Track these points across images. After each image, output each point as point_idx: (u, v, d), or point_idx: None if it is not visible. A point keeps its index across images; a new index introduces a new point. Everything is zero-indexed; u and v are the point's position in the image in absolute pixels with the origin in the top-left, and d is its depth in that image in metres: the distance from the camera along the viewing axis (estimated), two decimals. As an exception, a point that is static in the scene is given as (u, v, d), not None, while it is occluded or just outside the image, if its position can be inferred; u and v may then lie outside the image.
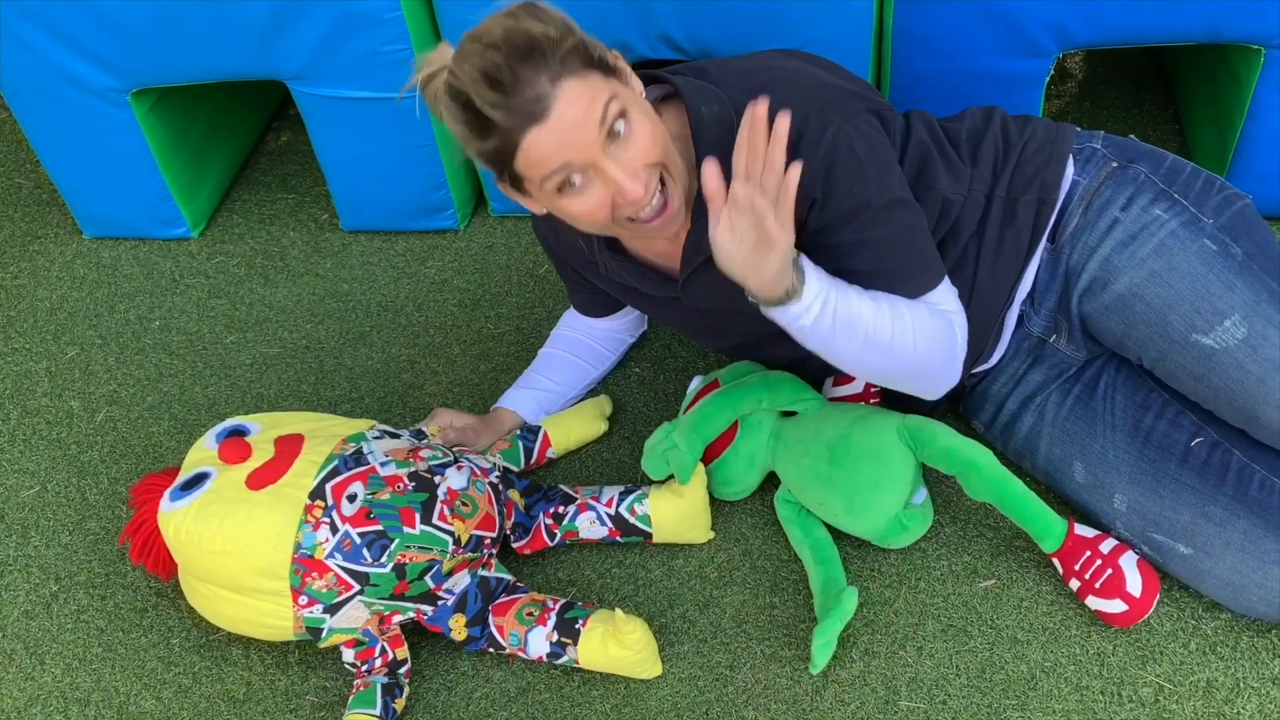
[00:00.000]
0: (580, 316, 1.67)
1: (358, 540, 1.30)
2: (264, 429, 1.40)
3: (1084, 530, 1.35)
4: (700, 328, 1.46)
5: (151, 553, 1.39)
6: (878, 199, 1.20)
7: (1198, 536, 1.28)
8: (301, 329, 1.92)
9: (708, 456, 1.48)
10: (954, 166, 1.34)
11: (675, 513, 1.45)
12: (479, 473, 1.44)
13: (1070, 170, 1.36)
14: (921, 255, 1.25)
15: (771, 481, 1.52)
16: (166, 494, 1.34)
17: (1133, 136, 1.43)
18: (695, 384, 1.55)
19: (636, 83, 1.18)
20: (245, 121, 2.32)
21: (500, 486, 1.46)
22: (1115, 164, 1.36)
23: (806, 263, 1.16)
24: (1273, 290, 1.26)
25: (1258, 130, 1.71)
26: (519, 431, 1.58)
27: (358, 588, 1.31)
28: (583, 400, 1.67)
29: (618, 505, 1.46)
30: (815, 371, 1.52)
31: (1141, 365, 1.36)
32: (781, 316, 1.16)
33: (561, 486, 1.51)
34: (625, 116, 1.11)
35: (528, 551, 1.49)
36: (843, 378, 1.53)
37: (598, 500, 1.48)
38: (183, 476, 1.36)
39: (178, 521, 1.32)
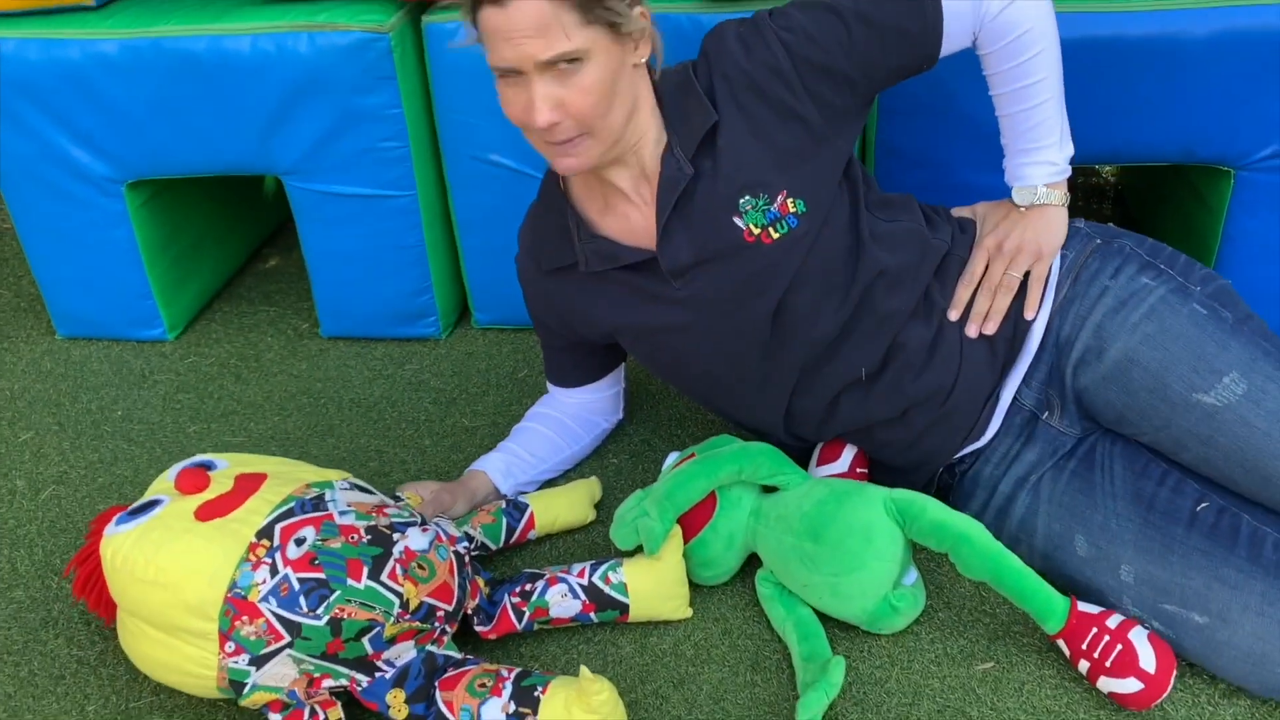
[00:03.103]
0: (555, 393, 1.64)
1: (296, 586, 1.20)
2: (230, 465, 1.33)
3: (1088, 607, 1.26)
4: (687, 326, 1.38)
5: (95, 587, 1.29)
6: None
7: (1213, 602, 1.19)
8: (269, 421, 1.85)
9: (685, 535, 1.40)
10: (933, 221, 1.40)
11: (652, 580, 1.35)
12: (444, 539, 1.34)
13: None
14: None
15: (752, 562, 1.43)
16: (115, 519, 1.25)
17: (1111, 224, 1.45)
18: (670, 460, 1.49)
19: (642, 47, 1.24)
20: (236, 239, 2.34)
21: (466, 559, 1.37)
22: (1099, 240, 1.39)
23: (1032, 169, 1.35)
24: (1266, 349, 1.26)
25: (1234, 253, 1.74)
26: (504, 506, 1.50)
27: (288, 639, 1.19)
28: (565, 482, 1.60)
29: (590, 575, 1.37)
30: (809, 433, 1.47)
31: (1143, 443, 1.32)
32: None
33: (526, 569, 1.42)
34: (580, 62, 1.18)
35: (493, 636, 1.37)
36: (826, 456, 1.48)
37: (568, 573, 1.38)
38: (137, 503, 1.27)
39: (116, 546, 1.22)
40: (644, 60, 1.26)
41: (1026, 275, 1.37)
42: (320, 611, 1.20)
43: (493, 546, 1.47)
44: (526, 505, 1.51)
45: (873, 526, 1.31)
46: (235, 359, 2.04)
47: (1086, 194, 2.40)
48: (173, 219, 2.09)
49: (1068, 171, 1.37)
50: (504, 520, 1.49)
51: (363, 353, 2.02)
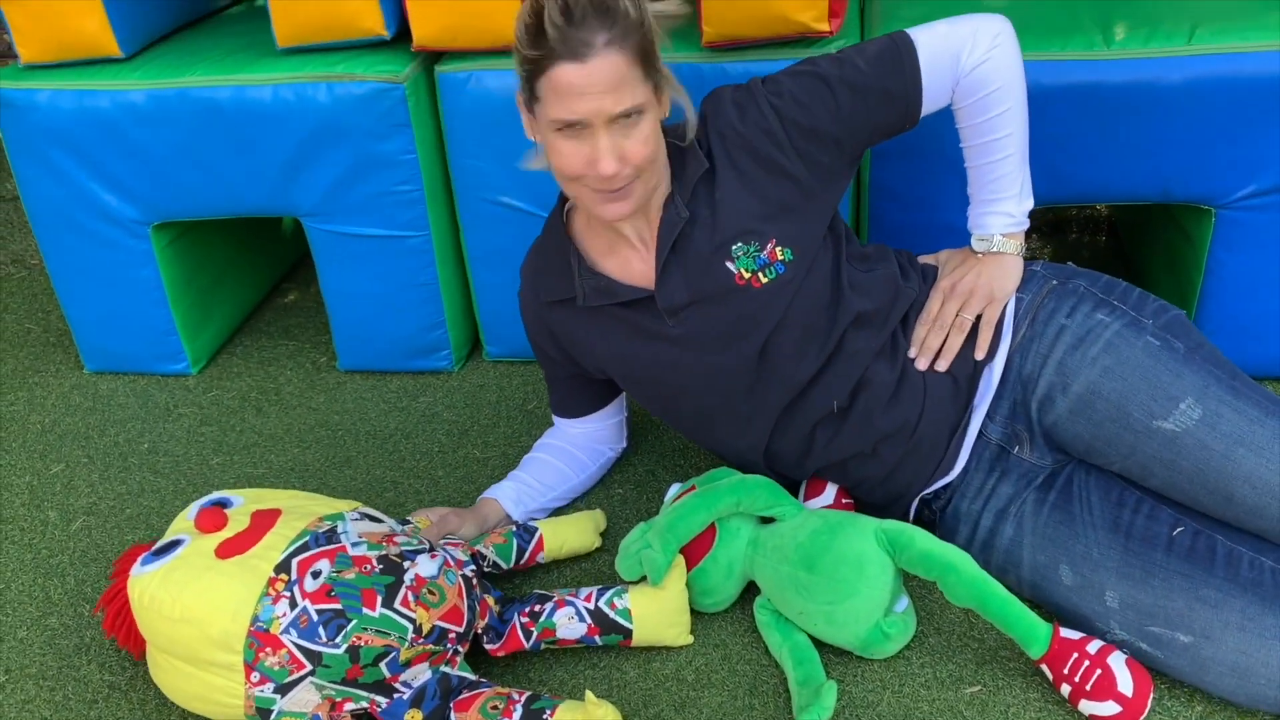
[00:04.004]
0: (560, 424, 1.71)
1: (315, 617, 1.27)
2: (246, 503, 1.40)
3: (1069, 633, 1.32)
4: (679, 362, 1.45)
5: (124, 624, 1.36)
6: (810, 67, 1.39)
7: (1196, 622, 1.26)
8: (289, 453, 1.93)
9: (687, 565, 1.46)
10: (906, 271, 1.51)
11: (655, 607, 1.42)
12: (453, 564, 1.42)
13: None
14: (881, 48, 1.37)
15: (751, 591, 1.50)
16: (140, 559, 1.33)
17: (1070, 263, 1.53)
18: (673, 491, 1.56)
19: (666, 103, 1.35)
20: (256, 275, 2.42)
21: (474, 581, 1.44)
22: (1055, 281, 1.48)
23: (991, 219, 1.46)
24: (1218, 376, 1.34)
25: (1217, 288, 1.81)
26: (515, 529, 1.58)
27: (309, 667, 1.27)
28: (572, 512, 1.67)
29: (596, 600, 1.43)
30: (789, 469, 1.54)
31: (1114, 471, 1.39)
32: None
33: (536, 591, 1.49)
34: (640, 116, 1.29)
35: (502, 654, 1.44)
36: (812, 491, 1.55)
37: (575, 596, 1.45)
38: (159, 543, 1.35)
39: (143, 586, 1.30)
40: (665, 116, 1.36)
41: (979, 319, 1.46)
42: (339, 640, 1.27)
43: (504, 565, 1.54)
44: (536, 529, 1.58)
45: (864, 556, 1.37)
46: (256, 392, 2.12)
47: (1082, 226, 2.47)
48: (195, 258, 2.17)
49: (1025, 224, 1.47)
50: (515, 541, 1.56)
51: (378, 385, 2.10)
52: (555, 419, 1.73)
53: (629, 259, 1.45)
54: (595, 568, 1.60)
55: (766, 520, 1.50)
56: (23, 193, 2.02)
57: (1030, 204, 1.47)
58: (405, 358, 2.11)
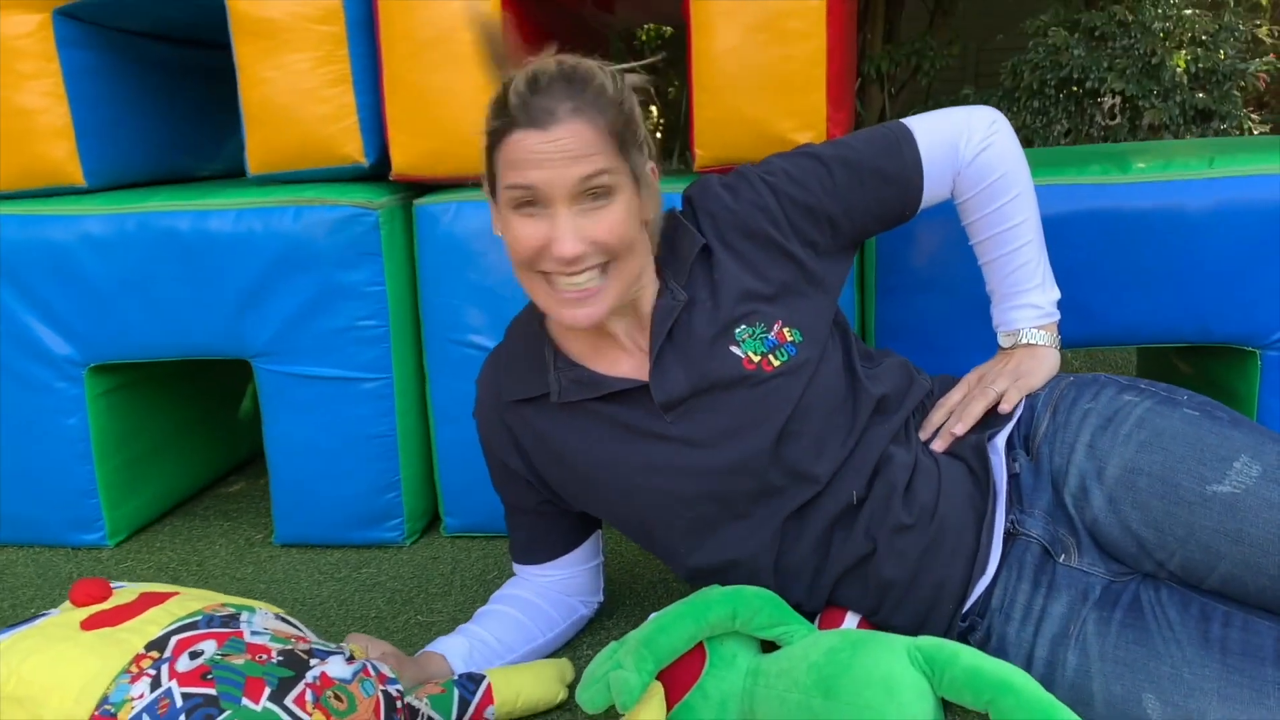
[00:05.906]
0: (523, 573, 1.44)
1: (178, 703, 0.97)
2: (140, 586, 1.13)
3: (1167, 777, 1.00)
4: (677, 466, 1.23)
5: None
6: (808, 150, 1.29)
7: None
8: (198, 618, 1.62)
9: (668, 699, 1.16)
10: (918, 368, 1.40)
11: (623, 748, 1.09)
12: (373, 674, 1.11)
13: None
14: (876, 131, 1.29)
15: (751, 743, 1.17)
16: None
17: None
18: (652, 620, 1.26)
19: (653, 201, 1.22)
20: (200, 458, 2.19)
21: (399, 703, 1.12)
22: (1072, 377, 1.33)
23: (1017, 313, 1.33)
24: (1272, 436, 1.15)
25: (1271, 442, 1.60)
26: (456, 677, 1.26)
27: None
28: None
29: (548, 747, 1.11)
30: (802, 588, 1.26)
31: (1176, 577, 1.14)
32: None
33: None
34: (609, 197, 1.14)
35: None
36: (829, 621, 1.27)
37: (523, 748, 1.12)
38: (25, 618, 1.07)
39: None
40: (650, 219, 1.24)
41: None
42: (203, 736, 0.95)
43: None
44: (483, 677, 1.27)
45: (895, 677, 1.08)
46: (176, 563, 1.84)
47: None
48: (134, 418, 1.97)
49: (1055, 315, 1.35)
50: (455, 692, 1.24)
51: (316, 558, 1.82)
52: (517, 568, 1.46)
53: (618, 359, 1.27)
54: (554, 728, 1.28)
55: (769, 647, 1.20)
56: (-48, 327, 1.85)
57: (1057, 294, 1.34)
58: (351, 527, 1.84)
